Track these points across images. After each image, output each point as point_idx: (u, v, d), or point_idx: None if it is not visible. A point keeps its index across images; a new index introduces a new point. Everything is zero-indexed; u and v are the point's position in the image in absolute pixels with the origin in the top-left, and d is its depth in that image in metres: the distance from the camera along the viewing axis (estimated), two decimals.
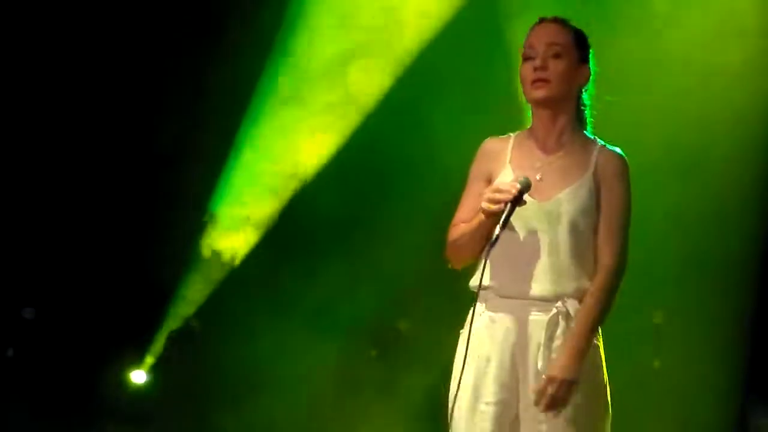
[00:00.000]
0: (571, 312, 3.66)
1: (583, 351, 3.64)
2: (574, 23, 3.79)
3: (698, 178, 6.83)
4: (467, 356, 3.65)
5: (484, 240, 3.66)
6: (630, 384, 6.80)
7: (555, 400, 3.61)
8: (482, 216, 3.62)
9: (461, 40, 7.12)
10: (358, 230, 7.25)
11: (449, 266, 3.79)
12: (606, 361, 3.74)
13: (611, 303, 3.73)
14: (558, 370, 3.61)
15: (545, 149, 3.74)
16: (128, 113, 7.21)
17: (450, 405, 3.71)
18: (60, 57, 7.20)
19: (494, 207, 3.57)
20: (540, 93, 3.68)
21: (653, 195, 6.77)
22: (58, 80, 7.20)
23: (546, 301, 3.66)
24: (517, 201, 3.57)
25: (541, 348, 3.65)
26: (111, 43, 7.17)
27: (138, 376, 7.35)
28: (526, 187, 3.58)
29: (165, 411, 7.28)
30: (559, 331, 3.65)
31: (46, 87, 7.20)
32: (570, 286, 3.67)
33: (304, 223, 7.38)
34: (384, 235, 7.12)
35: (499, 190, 3.58)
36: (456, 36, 7.14)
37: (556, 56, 3.67)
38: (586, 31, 3.80)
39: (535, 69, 3.66)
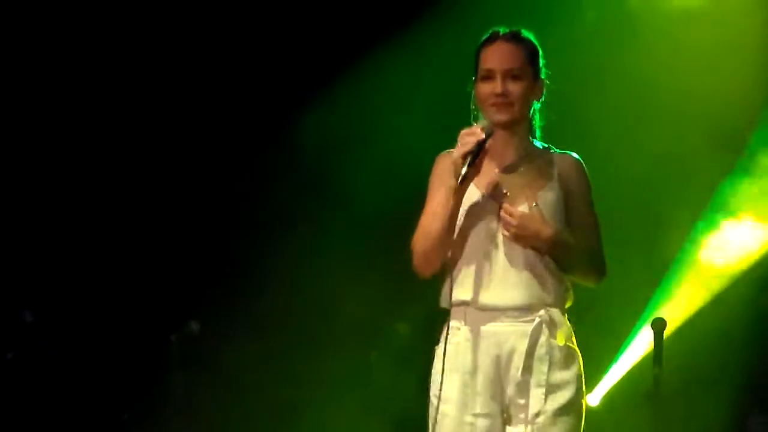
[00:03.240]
0: (555, 320, 3.71)
1: (562, 238, 3.69)
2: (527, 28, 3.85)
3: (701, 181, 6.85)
4: (447, 371, 3.70)
5: (453, 229, 3.68)
6: (631, 385, 6.82)
7: (517, 227, 3.65)
8: (449, 194, 3.65)
9: None
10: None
11: (420, 275, 3.79)
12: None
13: (594, 258, 3.79)
14: (541, 220, 3.67)
15: (504, 164, 3.80)
16: None
17: (432, 421, 3.74)
18: None
19: (468, 145, 3.62)
20: (504, 116, 3.76)
21: (654, 197, 6.79)
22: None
23: (528, 309, 3.69)
24: (482, 145, 3.64)
25: (524, 357, 3.68)
26: None
27: None
28: (489, 131, 3.66)
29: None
30: (542, 339, 3.69)
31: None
32: (550, 293, 3.72)
33: None
34: None
35: (468, 133, 3.66)
36: None
37: (515, 78, 3.75)
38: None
39: (496, 94, 3.74)
